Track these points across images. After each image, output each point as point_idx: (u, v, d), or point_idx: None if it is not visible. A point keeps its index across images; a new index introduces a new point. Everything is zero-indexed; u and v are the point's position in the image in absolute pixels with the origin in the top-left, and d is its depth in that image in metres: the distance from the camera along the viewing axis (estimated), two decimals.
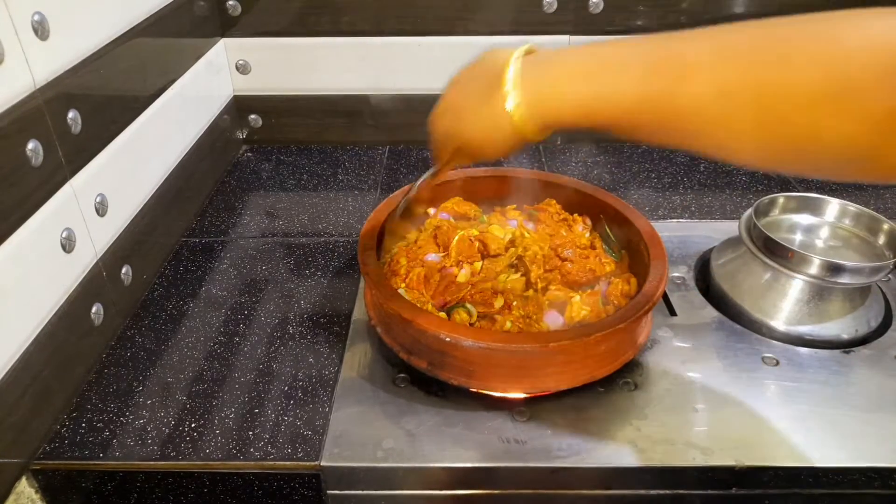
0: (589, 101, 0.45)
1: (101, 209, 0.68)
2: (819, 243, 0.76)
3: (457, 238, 0.71)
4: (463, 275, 0.68)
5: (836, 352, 0.68)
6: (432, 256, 0.70)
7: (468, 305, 0.65)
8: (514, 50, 0.49)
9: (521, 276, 0.69)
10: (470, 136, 0.53)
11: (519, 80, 0.47)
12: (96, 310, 0.67)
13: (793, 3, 0.98)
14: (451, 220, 0.79)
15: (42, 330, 0.59)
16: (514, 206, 0.81)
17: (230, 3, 1.01)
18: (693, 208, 0.95)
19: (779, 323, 0.70)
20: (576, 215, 0.78)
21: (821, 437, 0.59)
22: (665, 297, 0.75)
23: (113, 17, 0.72)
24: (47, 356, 0.60)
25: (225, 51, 1.05)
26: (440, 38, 1.03)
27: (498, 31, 1.02)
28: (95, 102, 0.67)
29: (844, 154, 0.36)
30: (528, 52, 0.49)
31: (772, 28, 0.38)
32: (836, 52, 0.35)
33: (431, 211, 0.80)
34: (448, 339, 0.59)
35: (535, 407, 0.62)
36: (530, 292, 0.67)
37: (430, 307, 0.65)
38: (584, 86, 0.45)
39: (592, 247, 0.74)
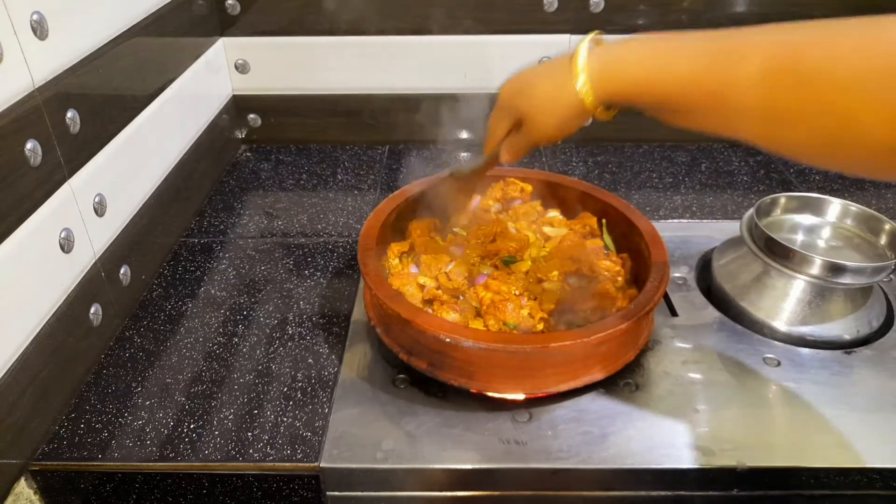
0: (646, 76, 0.50)
1: (99, 209, 0.68)
2: (821, 243, 0.75)
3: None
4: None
5: (838, 352, 0.67)
6: None
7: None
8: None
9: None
10: (537, 104, 0.58)
11: (587, 57, 0.53)
12: (95, 310, 0.67)
13: (793, 2, 1.00)
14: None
15: (41, 330, 0.59)
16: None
17: (229, 2, 1.01)
18: (694, 208, 0.94)
19: (780, 323, 0.69)
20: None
21: (822, 438, 0.58)
22: (666, 297, 0.75)
23: (112, 17, 0.72)
24: (46, 357, 0.60)
25: (224, 50, 1.05)
26: (440, 38, 1.02)
27: (498, 30, 1.02)
28: (94, 102, 0.67)
29: (881, 142, 0.38)
30: (597, 43, 0.55)
31: (825, 24, 0.41)
32: (879, 44, 0.38)
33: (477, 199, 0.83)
34: (448, 340, 0.58)
35: (535, 408, 0.61)
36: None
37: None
38: (644, 62, 0.50)
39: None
